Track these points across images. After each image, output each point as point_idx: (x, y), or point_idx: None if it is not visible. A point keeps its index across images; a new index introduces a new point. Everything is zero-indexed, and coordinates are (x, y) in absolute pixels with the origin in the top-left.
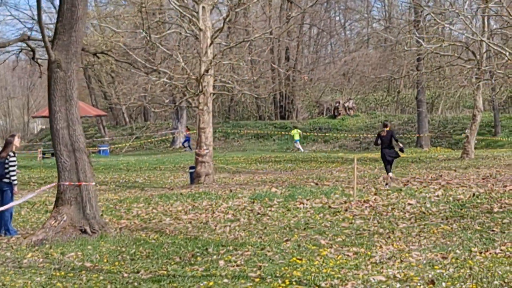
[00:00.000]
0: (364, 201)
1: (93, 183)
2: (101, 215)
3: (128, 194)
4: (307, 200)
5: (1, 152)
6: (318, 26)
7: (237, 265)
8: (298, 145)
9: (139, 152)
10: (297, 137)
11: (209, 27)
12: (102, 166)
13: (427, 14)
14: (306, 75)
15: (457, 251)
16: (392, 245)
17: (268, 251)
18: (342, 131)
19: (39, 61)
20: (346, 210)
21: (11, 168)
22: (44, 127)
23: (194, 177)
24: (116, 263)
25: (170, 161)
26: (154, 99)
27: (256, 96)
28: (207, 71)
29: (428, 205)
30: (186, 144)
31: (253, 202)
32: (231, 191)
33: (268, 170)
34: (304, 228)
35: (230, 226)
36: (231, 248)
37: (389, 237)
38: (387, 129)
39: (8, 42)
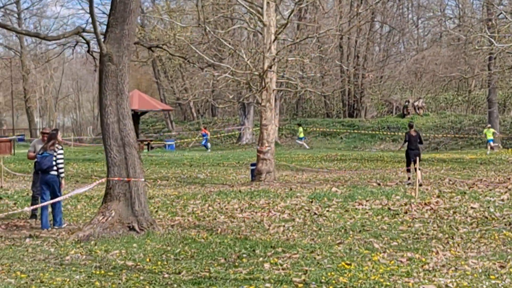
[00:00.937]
0: (425, 204)
1: (143, 179)
2: (156, 211)
3: (187, 190)
4: (366, 201)
5: (46, 144)
6: (389, 23)
7: (283, 269)
8: (302, 142)
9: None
10: (302, 135)
11: (274, 22)
12: (166, 160)
13: (499, 14)
14: (371, 73)
15: None
16: (450, 251)
17: (318, 255)
18: None
19: (94, 54)
20: (406, 212)
21: (59, 161)
22: None
23: (255, 174)
24: (159, 262)
25: (234, 157)
26: (220, 95)
27: (320, 93)
28: (270, 67)
29: (492, 210)
30: (204, 143)
31: (311, 202)
32: (291, 189)
33: (332, 169)
34: (360, 231)
35: (284, 226)
36: (280, 250)
37: (448, 242)
38: (413, 129)
39: (62, 35)
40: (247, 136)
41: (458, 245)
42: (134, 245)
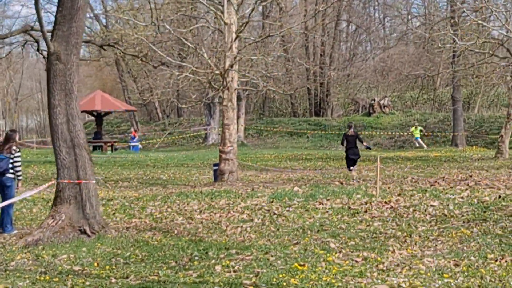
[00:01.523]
0: (385, 202)
1: (94, 181)
2: (114, 213)
3: (149, 192)
4: (327, 200)
5: (3, 146)
6: (355, 22)
7: (234, 271)
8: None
9: (171, 148)
10: None
11: (235, 21)
12: (129, 162)
13: (462, 12)
14: (332, 72)
15: (472, 257)
16: (407, 249)
17: (272, 256)
18: (377, 129)
19: (44, 53)
20: (366, 211)
21: (16, 164)
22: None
23: (218, 175)
24: (107, 267)
25: (199, 158)
26: (185, 95)
27: (282, 92)
28: (231, 66)
29: (451, 207)
30: (133, 144)
31: (272, 202)
32: (253, 189)
33: (297, 168)
34: (318, 231)
35: (242, 227)
36: (233, 251)
37: (405, 241)
38: (352, 130)
39: (10, 33)
40: (213, 136)
41: (416, 244)
42: (84, 249)
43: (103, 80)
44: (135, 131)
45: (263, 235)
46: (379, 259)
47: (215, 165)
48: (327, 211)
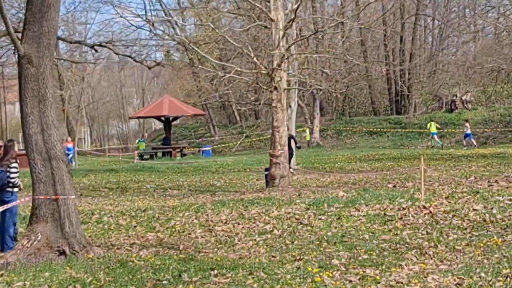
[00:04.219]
0: (424, 207)
1: (73, 196)
2: (135, 226)
3: (191, 200)
4: (366, 206)
5: (1, 159)
6: (434, 16)
7: None
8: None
9: (248, 151)
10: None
11: (282, 17)
12: (192, 167)
13: None
14: (383, 68)
15: (482, 274)
16: (422, 263)
17: (253, 277)
18: (459, 125)
19: None
20: (401, 218)
21: (12, 176)
22: (158, 127)
23: (269, 180)
24: None
25: (267, 161)
26: (245, 97)
27: (334, 91)
28: (279, 65)
29: (494, 211)
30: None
31: (308, 209)
32: (299, 195)
33: (363, 170)
34: (335, 242)
35: (255, 240)
36: (215, 272)
37: (426, 253)
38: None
39: None
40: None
41: (435, 256)
42: (46, 274)
43: (183, 84)
44: (72, 140)
45: (273, 249)
46: (377, 278)
47: (266, 169)
48: (360, 219)
